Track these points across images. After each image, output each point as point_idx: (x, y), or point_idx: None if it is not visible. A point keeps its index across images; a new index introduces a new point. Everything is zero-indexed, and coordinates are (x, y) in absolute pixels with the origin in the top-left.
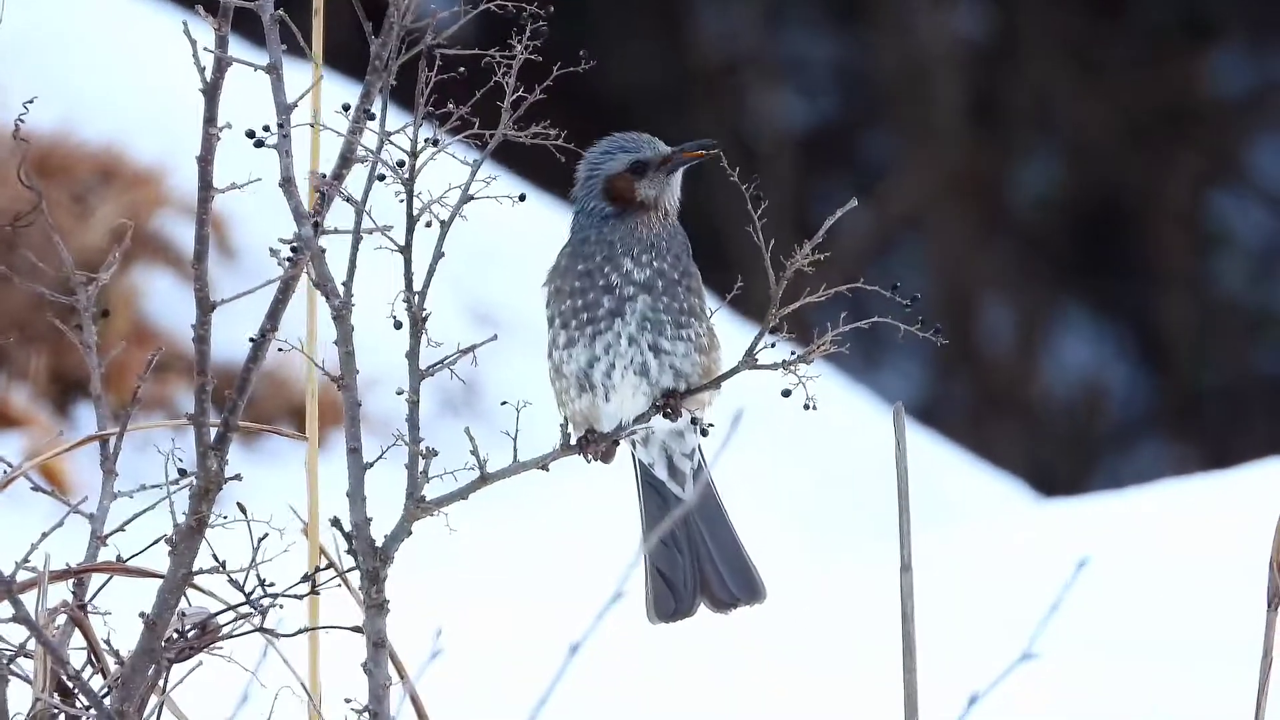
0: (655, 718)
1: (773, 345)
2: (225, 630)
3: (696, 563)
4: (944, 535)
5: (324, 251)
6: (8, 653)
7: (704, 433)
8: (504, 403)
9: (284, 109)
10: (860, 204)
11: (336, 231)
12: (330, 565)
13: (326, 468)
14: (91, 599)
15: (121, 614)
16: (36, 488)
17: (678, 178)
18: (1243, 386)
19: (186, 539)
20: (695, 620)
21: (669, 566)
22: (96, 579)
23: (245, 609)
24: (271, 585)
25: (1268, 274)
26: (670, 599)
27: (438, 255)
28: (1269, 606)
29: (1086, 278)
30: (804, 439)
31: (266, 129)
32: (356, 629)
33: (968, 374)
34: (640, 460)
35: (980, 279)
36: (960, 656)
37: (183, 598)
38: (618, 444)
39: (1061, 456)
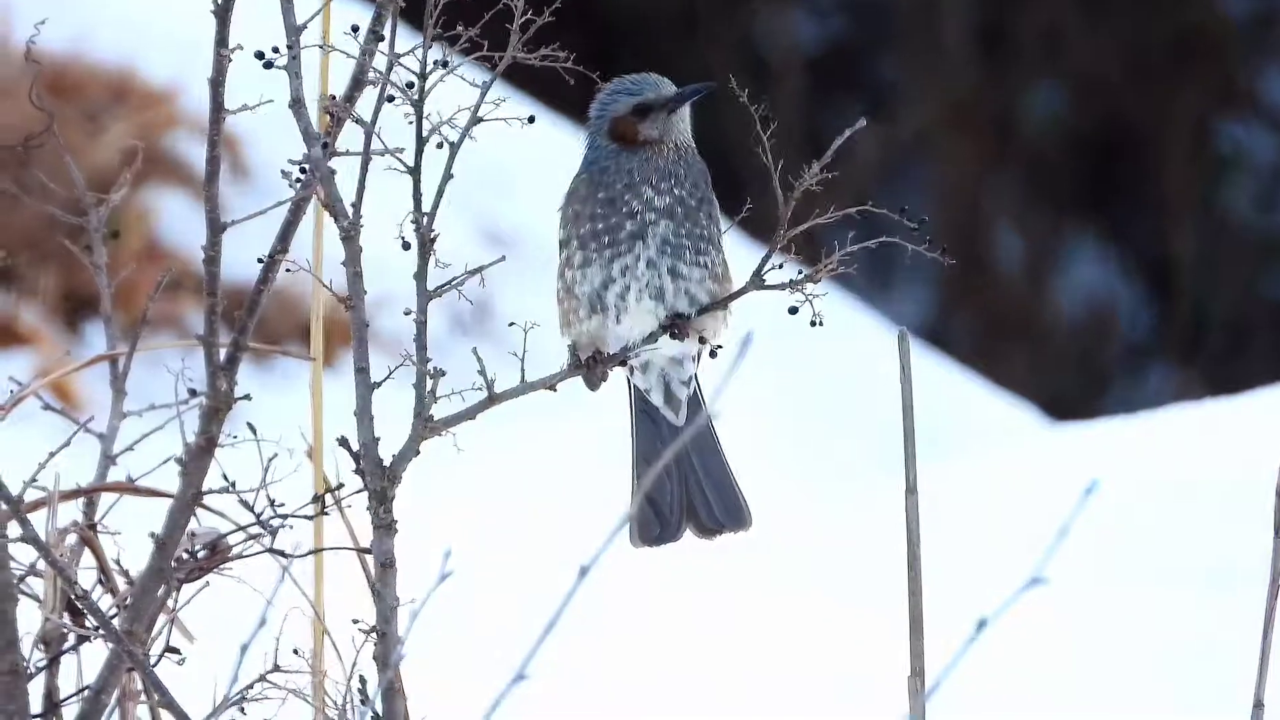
0: (661, 640)
1: (780, 266)
2: (235, 551)
3: (685, 489)
4: (953, 460)
5: (334, 173)
6: (17, 572)
7: (712, 354)
8: (512, 324)
9: (293, 30)
10: (869, 126)
11: (347, 153)
12: (339, 486)
13: (335, 388)
14: (101, 519)
15: (131, 534)
16: (47, 406)
17: (683, 113)
18: (1250, 312)
19: (196, 459)
20: (701, 543)
21: (657, 491)
22: (106, 498)
23: (255, 529)
24: (281, 506)
25: (1275, 200)
26: (655, 524)
27: (447, 177)
28: (1276, 533)
29: (1094, 203)
30: (812, 363)
31: (276, 50)
32: (365, 550)
33: (977, 298)
34: (636, 386)
35: (989, 204)
36: (969, 581)
37: (192, 518)
38: (615, 367)
39: (1071, 381)
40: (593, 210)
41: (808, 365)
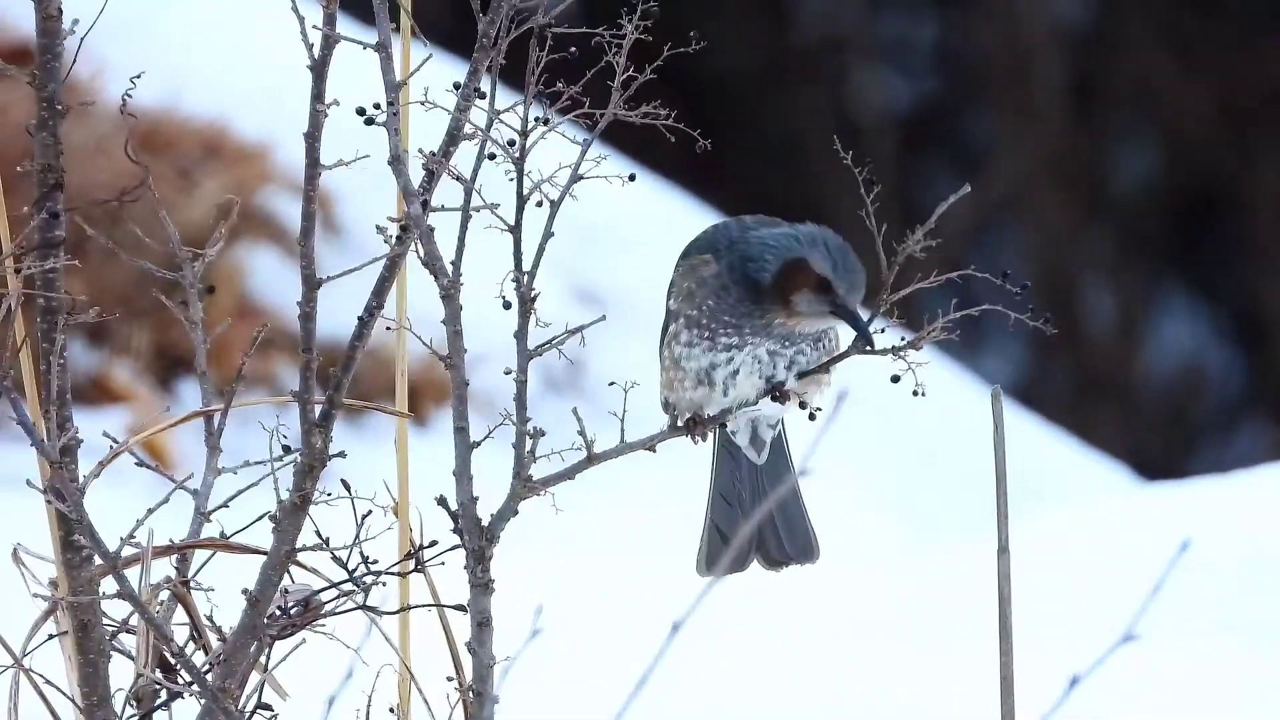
0: (748, 691)
1: (882, 330)
2: (328, 608)
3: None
4: (1044, 518)
5: (432, 230)
6: (111, 628)
7: (811, 417)
8: (611, 383)
9: (393, 87)
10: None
11: (445, 209)
12: (432, 544)
13: (433, 446)
14: (194, 575)
15: (224, 590)
16: (140, 463)
17: (835, 325)
18: None
19: (290, 516)
20: (794, 598)
21: (727, 524)
22: (200, 555)
23: (348, 586)
24: (375, 563)
25: None
26: (723, 553)
27: (547, 235)
28: None
29: (1186, 261)
30: (906, 420)
31: (377, 106)
32: (460, 607)
33: (1068, 356)
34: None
35: (1079, 261)
36: (1060, 639)
37: (286, 575)
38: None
39: (1161, 440)
40: (704, 304)
41: (899, 422)
